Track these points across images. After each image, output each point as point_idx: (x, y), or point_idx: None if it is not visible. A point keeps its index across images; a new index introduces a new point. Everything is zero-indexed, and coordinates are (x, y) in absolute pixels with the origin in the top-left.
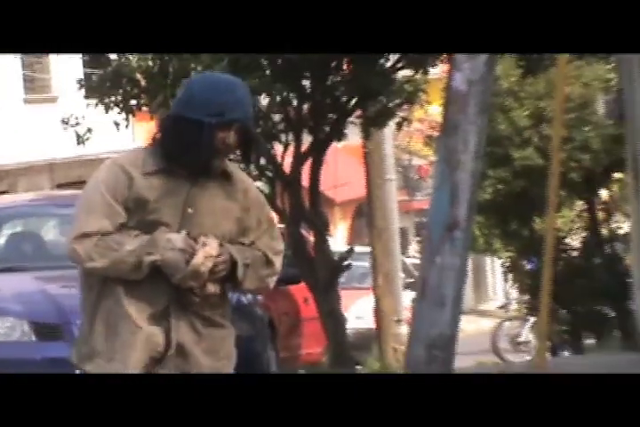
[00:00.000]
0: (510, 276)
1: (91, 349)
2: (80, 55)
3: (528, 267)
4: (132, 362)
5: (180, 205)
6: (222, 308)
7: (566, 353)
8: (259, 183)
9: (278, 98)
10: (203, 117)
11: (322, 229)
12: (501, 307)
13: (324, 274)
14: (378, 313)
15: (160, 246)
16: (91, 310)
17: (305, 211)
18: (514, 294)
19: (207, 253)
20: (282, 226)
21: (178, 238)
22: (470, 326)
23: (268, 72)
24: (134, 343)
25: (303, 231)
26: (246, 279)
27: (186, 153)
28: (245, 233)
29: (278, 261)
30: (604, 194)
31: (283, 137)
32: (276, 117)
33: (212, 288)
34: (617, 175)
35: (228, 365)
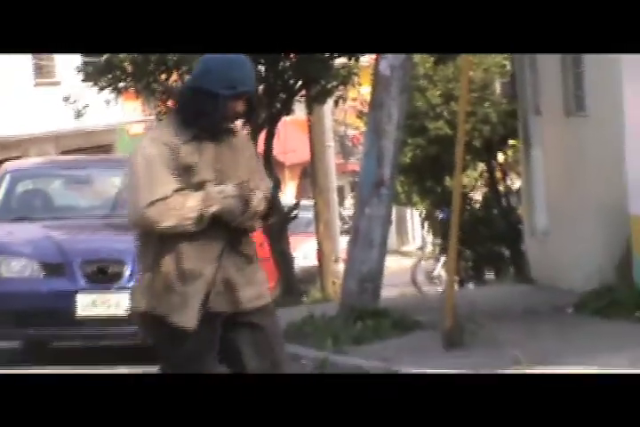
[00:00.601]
0: (426, 223)
1: (156, 295)
2: None
3: (440, 216)
4: (195, 304)
5: (211, 163)
6: (252, 244)
7: (471, 285)
8: None
9: None
10: (219, 90)
11: (274, 187)
12: (419, 248)
13: (277, 223)
14: (319, 254)
15: (216, 198)
16: (151, 264)
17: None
18: (429, 238)
19: (259, 197)
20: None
21: (228, 188)
22: (394, 264)
23: None
24: (199, 286)
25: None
26: (270, 215)
27: (208, 120)
28: (251, 177)
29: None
30: (500, 157)
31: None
32: None
33: (256, 225)
34: (511, 142)
35: (265, 289)
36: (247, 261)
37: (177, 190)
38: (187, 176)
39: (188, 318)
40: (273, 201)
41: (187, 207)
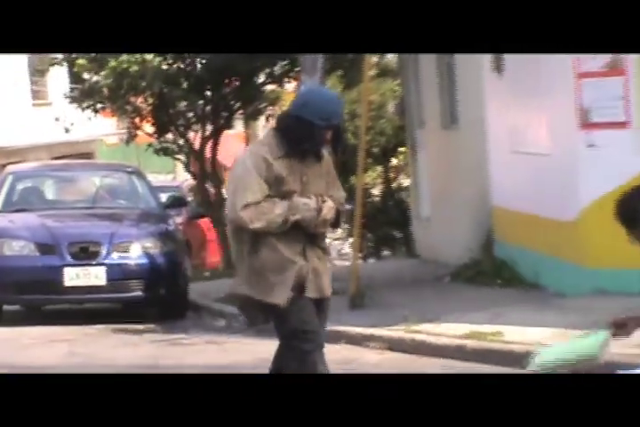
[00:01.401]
0: None
1: (261, 281)
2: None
3: (348, 207)
4: (289, 285)
5: (299, 177)
6: (325, 240)
7: (371, 260)
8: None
9: (194, 102)
10: (316, 121)
11: (218, 184)
12: (332, 232)
13: (219, 211)
14: None
15: (300, 208)
16: (247, 255)
17: (208, 173)
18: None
19: (329, 207)
20: (192, 181)
21: (311, 202)
22: None
23: (185, 85)
24: (292, 272)
25: (207, 185)
26: (339, 222)
27: (302, 144)
28: (328, 189)
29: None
30: (393, 162)
31: (194, 127)
32: (190, 114)
33: (327, 229)
34: (401, 149)
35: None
36: (324, 253)
37: (268, 197)
38: (277, 186)
39: (282, 298)
40: (343, 211)
41: (275, 213)
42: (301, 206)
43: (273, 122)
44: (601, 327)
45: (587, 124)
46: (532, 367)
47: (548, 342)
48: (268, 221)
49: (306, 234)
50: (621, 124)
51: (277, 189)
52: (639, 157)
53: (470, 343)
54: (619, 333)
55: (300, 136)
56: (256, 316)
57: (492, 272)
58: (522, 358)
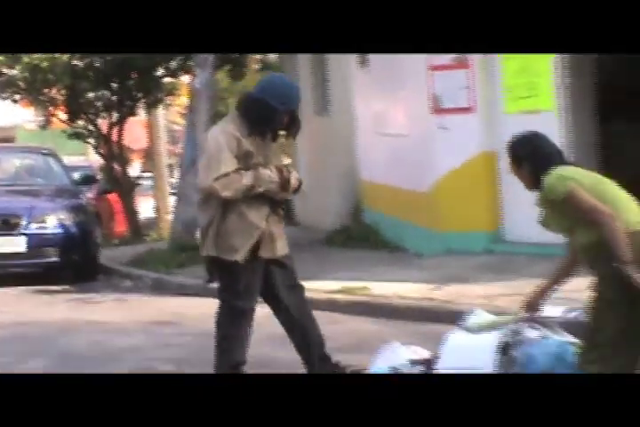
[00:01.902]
0: None
1: (226, 242)
2: None
3: None
4: (249, 246)
5: (262, 153)
6: (283, 206)
7: None
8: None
9: (101, 93)
10: (276, 104)
11: (124, 164)
12: None
13: (127, 187)
14: (156, 209)
15: (265, 180)
16: (216, 220)
17: (115, 154)
18: None
19: (295, 176)
20: (100, 161)
21: (273, 174)
22: None
23: (92, 78)
24: (254, 235)
25: (114, 165)
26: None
27: (263, 125)
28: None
29: None
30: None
31: (102, 114)
32: (98, 104)
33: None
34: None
35: (285, 241)
36: (280, 220)
37: (236, 170)
38: (245, 160)
39: (244, 260)
40: (301, 180)
41: (243, 184)
42: (266, 178)
43: (172, 112)
44: (449, 281)
45: (438, 110)
46: (465, 327)
47: (409, 295)
48: (236, 190)
49: (270, 201)
50: (466, 110)
51: (245, 162)
52: (481, 138)
53: (341, 297)
54: (532, 312)
55: (261, 117)
56: (214, 275)
57: (361, 237)
58: (385, 308)
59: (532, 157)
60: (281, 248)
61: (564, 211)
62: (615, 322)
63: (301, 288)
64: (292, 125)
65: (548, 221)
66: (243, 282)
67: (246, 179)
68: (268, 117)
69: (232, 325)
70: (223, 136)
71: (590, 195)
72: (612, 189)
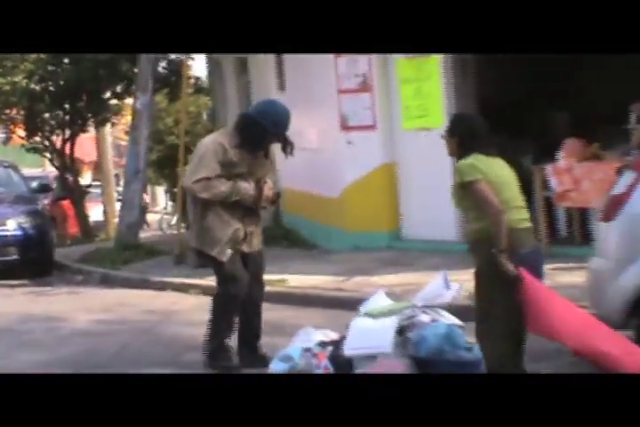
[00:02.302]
0: (168, 194)
1: (206, 237)
2: None
3: (174, 190)
4: (226, 242)
5: (246, 164)
6: (260, 210)
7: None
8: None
9: (55, 113)
10: (269, 127)
11: (76, 174)
12: (164, 208)
13: (78, 194)
14: (105, 213)
15: (241, 191)
16: (198, 217)
17: (68, 166)
18: (170, 202)
19: (269, 187)
20: (55, 172)
21: (249, 187)
22: (150, 218)
23: (48, 100)
24: (228, 232)
25: (67, 175)
26: (276, 199)
27: (253, 142)
28: (268, 176)
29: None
30: None
31: (56, 131)
32: (53, 122)
33: (266, 204)
34: None
35: (261, 239)
36: (258, 221)
37: (218, 176)
38: (228, 168)
39: (223, 253)
40: (278, 191)
41: (220, 190)
42: (242, 190)
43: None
44: (355, 273)
45: (345, 127)
46: (367, 312)
47: (321, 285)
48: (212, 194)
49: (245, 206)
50: (369, 127)
51: (228, 170)
52: (382, 152)
53: None
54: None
55: (253, 135)
56: (198, 262)
57: (281, 236)
58: (300, 297)
59: (463, 133)
60: (256, 244)
61: (465, 194)
62: (494, 297)
63: (262, 284)
64: (286, 144)
65: (454, 196)
66: (226, 271)
67: (224, 187)
68: (259, 136)
69: (222, 308)
70: (212, 145)
71: (491, 188)
72: (511, 189)
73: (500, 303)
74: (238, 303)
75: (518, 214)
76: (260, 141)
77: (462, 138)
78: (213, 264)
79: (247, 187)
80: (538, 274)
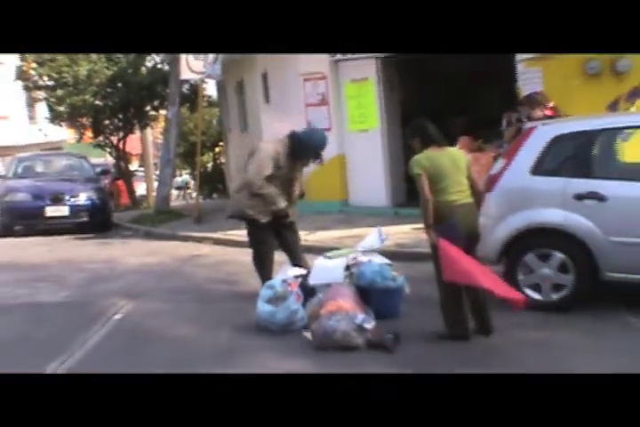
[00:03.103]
0: (190, 176)
1: (254, 207)
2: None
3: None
4: (269, 213)
5: (288, 167)
6: (296, 200)
7: (207, 200)
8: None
9: (112, 121)
10: (311, 148)
11: (127, 162)
12: (186, 184)
13: (128, 176)
14: (147, 189)
15: (278, 202)
16: (249, 195)
17: (121, 157)
18: (192, 181)
19: (295, 194)
20: (113, 161)
21: (282, 202)
22: (175, 192)
23: (108, 112)
24: (271, 208)
25: (120, 163)
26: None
27: (299, 155)
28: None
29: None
30: (217, 150)
31: (114, 133)
32: (111, 127)
33: (295, 199)
34: (221, 143)
35: (293, 214)
36: (292, 202)
37: (271, 175)
38: (276, 169)
39: (266, 219)
40: (303, 189)
41: (267, 191)
42: (279, 201)
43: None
44: (317, 229)
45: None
46: (326, 255)
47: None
48: (263, 192)
49: (286, 194)
50: (327, 129)
51: (276, 170)
52: (336, 146)
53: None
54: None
55: (300, 151)
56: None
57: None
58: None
59: (419, 134)
60: (294, 216)
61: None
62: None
63: (298, 239)
64: (319, 158)
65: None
66: (259, 234)
67: (268, 189)
68: (303, 153)
69: (258, 261)
70: (272, 149)
71: (428, 175)
72: (450, 177)
73: (435, 261)
74: (268, 257)
75: (455, 196)
76: (303, 156)
77: (421, 138)
78: (253, 227)
79: (283, 202)
80: (455, 240)
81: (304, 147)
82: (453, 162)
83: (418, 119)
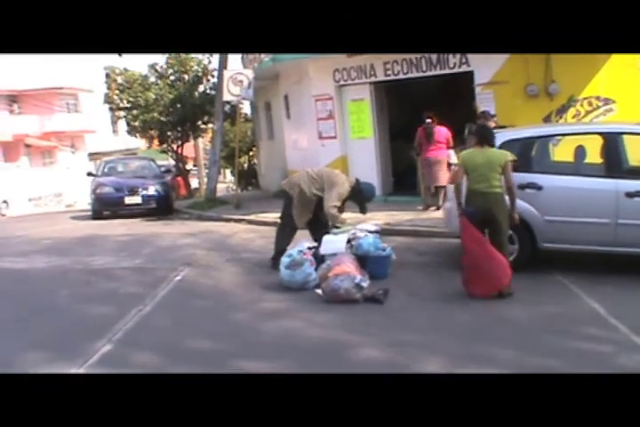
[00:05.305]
0: (231, 172)
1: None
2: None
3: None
4: (308, 216)
5: (346, 201)
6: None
7: (244, 191)
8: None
9: (174, 132)
10: (366, 197)
11: (184, 163)
12: (229, 182)
13: (185, 174)
14: (199, 183)
15: (340, 219)
16: (302, 208)
17: (180, 159)
18: (232, 178)
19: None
20: (174, 163)
21: (339, 217)
22: (220, 186)
23: (169, 125)
24: (307, 213)
25: (179, 164)
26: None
27: (354, 197)
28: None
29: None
30: (251, 153)
31: (174, 142)
32: (172, 137)
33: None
34: (254, 148)
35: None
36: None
37: (341, 204)
38: (342, 200)
39: (303, 220)
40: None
41: (337, 215)
42: (340, 218)
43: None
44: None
45: (321, 137)
46: (333, 231)
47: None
48: (335, 220)
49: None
50: (333, 137)
51: (341, 200)
52: (340, 149)
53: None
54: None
55: (357, 195)
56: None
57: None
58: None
59: (477, 134)
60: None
61: None
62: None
63: (324, 229)
64: (364, 204)
65: None
66: (286, 209)
67: (339, 215)
68: (360, 198)
69: (282, 232)
70: (348, 187)
71: (464, 169)
72: (480, 170)
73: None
74: (289, 231)
75: (479, 185)
76: (357, 199)
77: (477, 137)
78: (289, 203)
79: (342, 219)
80: (473, 221)
81: (361, 195)
82: (487, 159)
83: (482, 124)
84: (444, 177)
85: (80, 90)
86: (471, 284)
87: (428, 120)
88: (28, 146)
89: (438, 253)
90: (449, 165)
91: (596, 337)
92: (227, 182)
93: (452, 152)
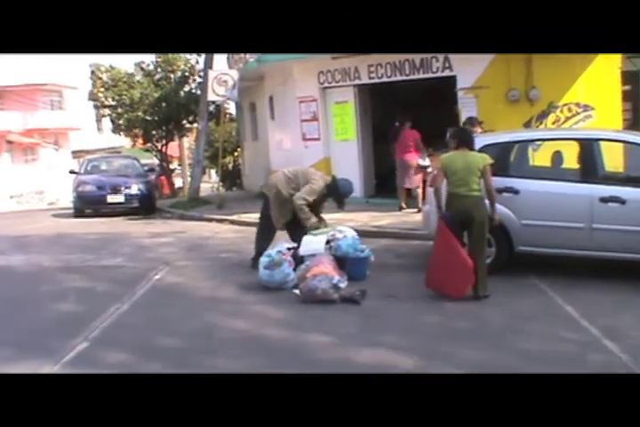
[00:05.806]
0: (215, 172)
1: (279, 210)
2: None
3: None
4: (287, 216)
5: (321, 199)
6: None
7: (228, 191)
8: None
9: (158, 131)
10: (343, 193)
11: (168, 163)
12: (213, 181)
13: (169, 173)
14: (183, 183)
15: (312, 221)
16: (284, 209)
17: (164, 158)
18: (216, 178)
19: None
20: (157, 162)
21: (315, 223)
22: (204, 186)
23: (154, 124)
24: (287, 213)
25: (163, 163)
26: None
27: (331, 194)
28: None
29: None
30: (235, 154)
31: (159, 140)
32: (157, 136)
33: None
34: (238, 149)
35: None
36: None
37: (314, 201)
38: (317, 199)
39: (281, 221)
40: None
41: (307, 215)
42: (314, 222)
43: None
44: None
45: (305, 139)
46: (312, 233)
47: None
48: (302, 214)
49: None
50: (317, 139)
51: (316, 199)
52: (323, 151)
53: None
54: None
55: (334, 192)
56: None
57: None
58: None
59: (457, 137)
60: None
61: None
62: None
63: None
64: (342, 201)
65: None
66: (264, 209)
67: (310, 215)
68: (335, 193)
69: (261, 233)
70: (323, 184)
71: (444, 173)
72: (459, 174)
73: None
74: (268, 231)
75: (459, 189)
76: (334, 195)
77: (457, 140)
78: (265, 208)
79: (315, 220)
80: (451, 225)
81: (337, 190)
82: (467, 163)
83: (462, 127)
84: (412, 179)
85: (64, 87)
86: (436, 284)
87: (396, 124)
88: (10, 142)
89: (417, 256)
90: (421, 167)
91: (565, 339)
92: (212, 182)
93: (419, 156)
